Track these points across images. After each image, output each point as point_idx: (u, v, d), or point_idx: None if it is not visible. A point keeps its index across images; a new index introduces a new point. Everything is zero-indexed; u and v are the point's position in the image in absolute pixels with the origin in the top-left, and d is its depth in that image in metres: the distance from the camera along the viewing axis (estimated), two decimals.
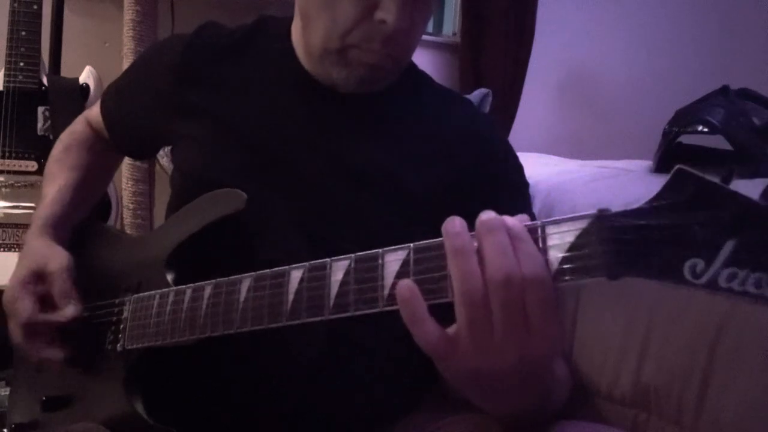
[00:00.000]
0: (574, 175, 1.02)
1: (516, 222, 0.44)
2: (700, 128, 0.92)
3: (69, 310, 0.75)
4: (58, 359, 0.76)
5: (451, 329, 0.46)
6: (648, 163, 1.04)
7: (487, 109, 1.99)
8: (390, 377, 0.75)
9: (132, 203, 1.75)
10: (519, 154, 0.84)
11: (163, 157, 1.77)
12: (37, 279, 0.77)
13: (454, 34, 2.70)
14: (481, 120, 0.86)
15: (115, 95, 0.94)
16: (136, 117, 0.89)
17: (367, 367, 0.72)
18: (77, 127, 0.99)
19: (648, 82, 2.70)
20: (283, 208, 0.73)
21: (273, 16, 0.87)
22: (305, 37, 0.76)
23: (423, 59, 2.47)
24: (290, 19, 0.82)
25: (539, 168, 1.05)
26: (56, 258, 0.78)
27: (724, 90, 0.97)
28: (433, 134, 0.78)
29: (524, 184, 0.82)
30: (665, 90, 2.50)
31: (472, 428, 0.64)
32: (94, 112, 0.97)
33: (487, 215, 0.45)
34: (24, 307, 0.75)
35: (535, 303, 0.43)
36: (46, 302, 0.77)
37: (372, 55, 0.70)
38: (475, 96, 1.98)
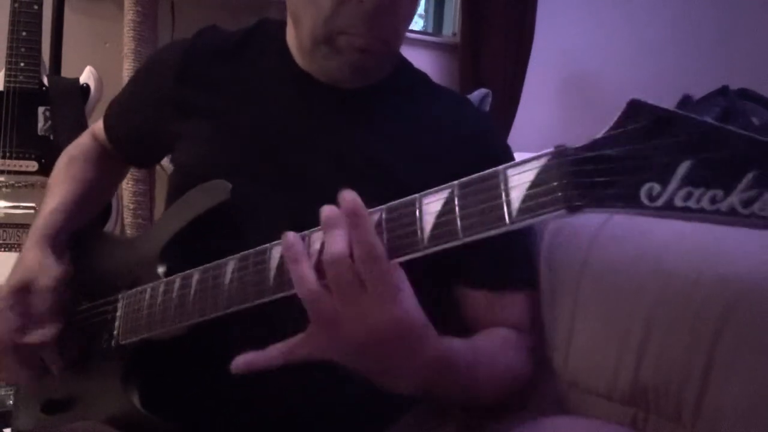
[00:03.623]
0: None
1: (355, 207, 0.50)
2: None
3: (37, 333, 0.75)
4: (27, 381, 0.78)
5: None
6: None
7: (487, 109, 1.99)
8: None
9: (132, 203, 1.75)
10: (519, 154, 0.84)
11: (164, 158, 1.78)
12: (25, 290, 0.77)
13: (454, 34, 2.70)
14: (478, 118, 0.87)
15: (117, 106, 0.95)
16: (139, 124, 0.90)
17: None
18: (82, 140, 0.99)
19: (648, 81, 2.70)
20: (279, 203, 0.74)
21: (269, 19, 0.88)
22: (297, 36, 0.77)
23: (423, 59, 2.49)
24: (284, 22, 0.83)
25: None
26: (45, 273, 0.77)
27: (724, 90, 0.97)
28: (429, 130, 0.79)
29: None
30: (665, 90, 2.50)
31: (470, 426, 0.64)
32: (99, 125, 0.98)
33: (329, 209, 0.51)
34: (3, 327, 0.75)
35: (368, 279, 0.49)
36: (31, 316, 0.76)
37: (359, 38, 0.71)
38: (475, 96, 1.98)
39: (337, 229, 0.50)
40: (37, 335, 0.75)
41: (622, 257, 0.77)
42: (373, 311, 0.51)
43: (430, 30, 2.84)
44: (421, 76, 0.87)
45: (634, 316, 0.72)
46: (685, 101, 0.91)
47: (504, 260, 0.77)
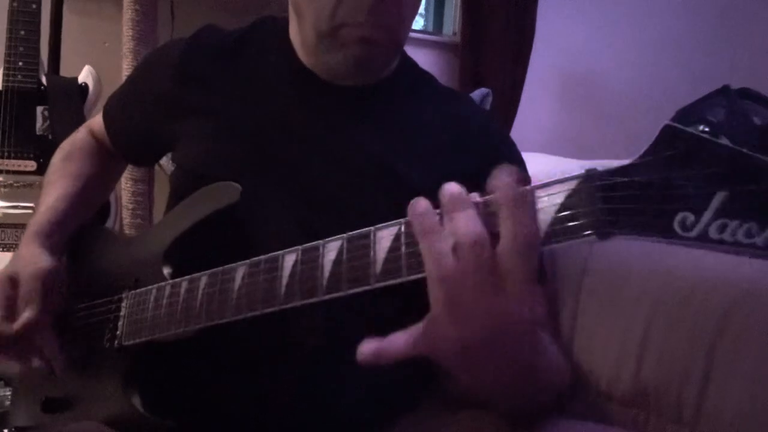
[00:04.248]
0: None
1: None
2: (701, 128, 0.92)
3: (22, 317, 0.74)
4: (19, 371, 0.76)
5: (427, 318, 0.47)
6: None
7: (487, 108, 1.99)
8: (389, 377, 0.75)
9: (131, 203, 1.75)
10: None
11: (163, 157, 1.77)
12: (11, 284, 0.77)
13: (454, 34, 2.70)
14: (482, 116, 0.86)
15: (117, 102, 0.94)
16: (138, 122, 0.89)
17: (366, 366, 0.73)
18: (78, 136, 0.98)
19: (648, 81, 2.70)
20: (282, 202, 0.73)
21: (270, 16, 0.87)
22: (301, 32, 0.77)
23: (423, 59, 2.47)
24: (287, 19, 0.82)
25: (539, 167, 1.05)
26: (33, 263, 0.77)
27: (725, 90, 0.97)
28: (433, 128, 0.78)
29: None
30: (665, 89, 2.50)
31: (471, 427, 0.64)
32: (96, 120, 0.96)
33: (456, 186, 0.45)
34: None
35: (511, 264, 0.43)
36: (15, 309, 0.76)
37: (361, 28, 0.71)
38: (475, 96, 1.99)
39: (470, 209, 0.45)
40: (17, 323, 0.74)
41: (622, 258, 0.77)
42: (510, 305, 0.44)
43: (430, 29, 2.84)
44: (425, 76, 0.86)
45: (635, 317, 0.72)
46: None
47: None
